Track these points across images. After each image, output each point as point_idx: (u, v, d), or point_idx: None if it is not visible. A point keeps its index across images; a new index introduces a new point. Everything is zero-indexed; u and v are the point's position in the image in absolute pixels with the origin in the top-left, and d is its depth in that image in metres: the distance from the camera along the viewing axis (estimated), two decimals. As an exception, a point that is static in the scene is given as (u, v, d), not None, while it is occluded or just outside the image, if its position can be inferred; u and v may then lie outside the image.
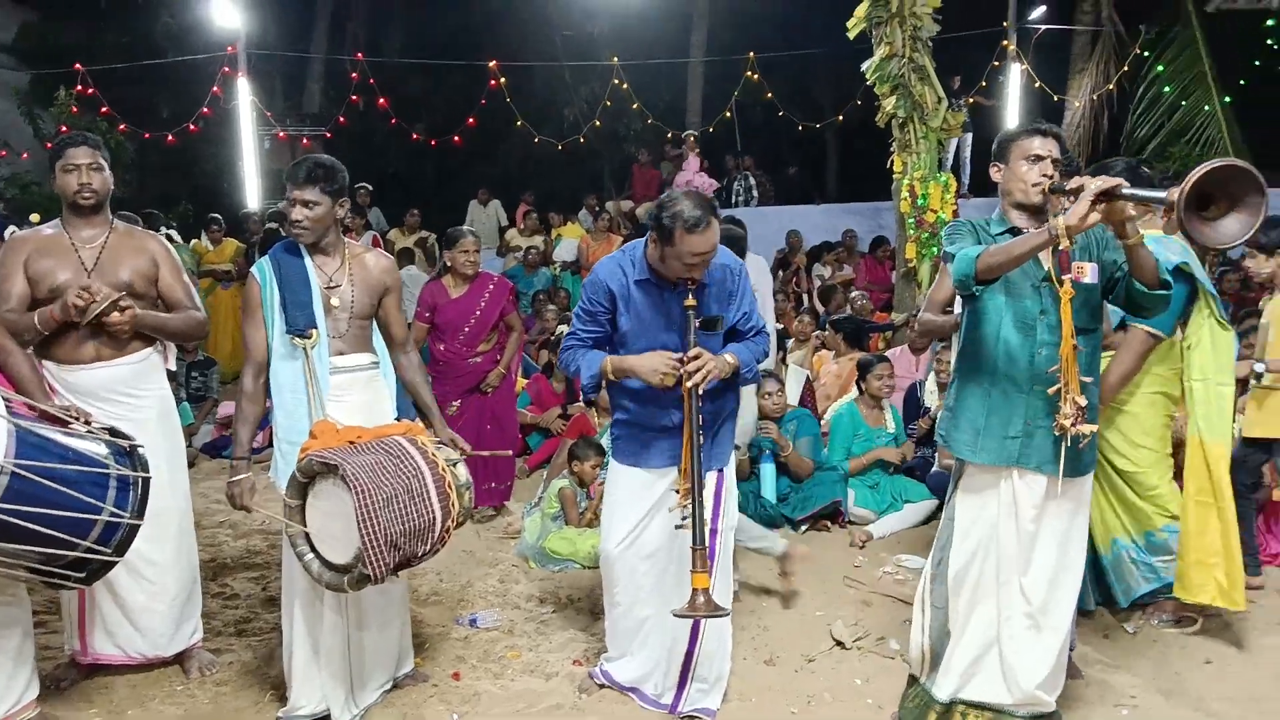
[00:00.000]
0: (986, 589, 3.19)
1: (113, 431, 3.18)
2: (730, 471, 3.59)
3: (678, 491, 3.32)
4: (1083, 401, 2.95)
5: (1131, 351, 3.92)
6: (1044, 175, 3.07)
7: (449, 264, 5.70)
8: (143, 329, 3.68)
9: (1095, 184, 2.66)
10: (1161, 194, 2.57)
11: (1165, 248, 3.79)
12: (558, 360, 3.66)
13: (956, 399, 3.24)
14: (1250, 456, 4.54)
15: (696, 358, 3.21)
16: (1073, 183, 2.81)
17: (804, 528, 5.55)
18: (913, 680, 3.42)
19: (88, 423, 3.15)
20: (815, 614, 4.40)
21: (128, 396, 3.68)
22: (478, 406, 5.71)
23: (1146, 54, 15.45)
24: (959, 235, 3.15)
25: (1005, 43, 14.04)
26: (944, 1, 8.77)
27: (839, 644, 4.08)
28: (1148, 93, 15.64)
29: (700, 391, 3.22)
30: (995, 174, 3.21)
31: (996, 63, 14.29)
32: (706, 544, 3.13)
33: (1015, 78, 14.11)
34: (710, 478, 3.46)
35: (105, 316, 3.52)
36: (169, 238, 9.51)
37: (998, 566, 3.16)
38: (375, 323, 3.63)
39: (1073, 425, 2.94)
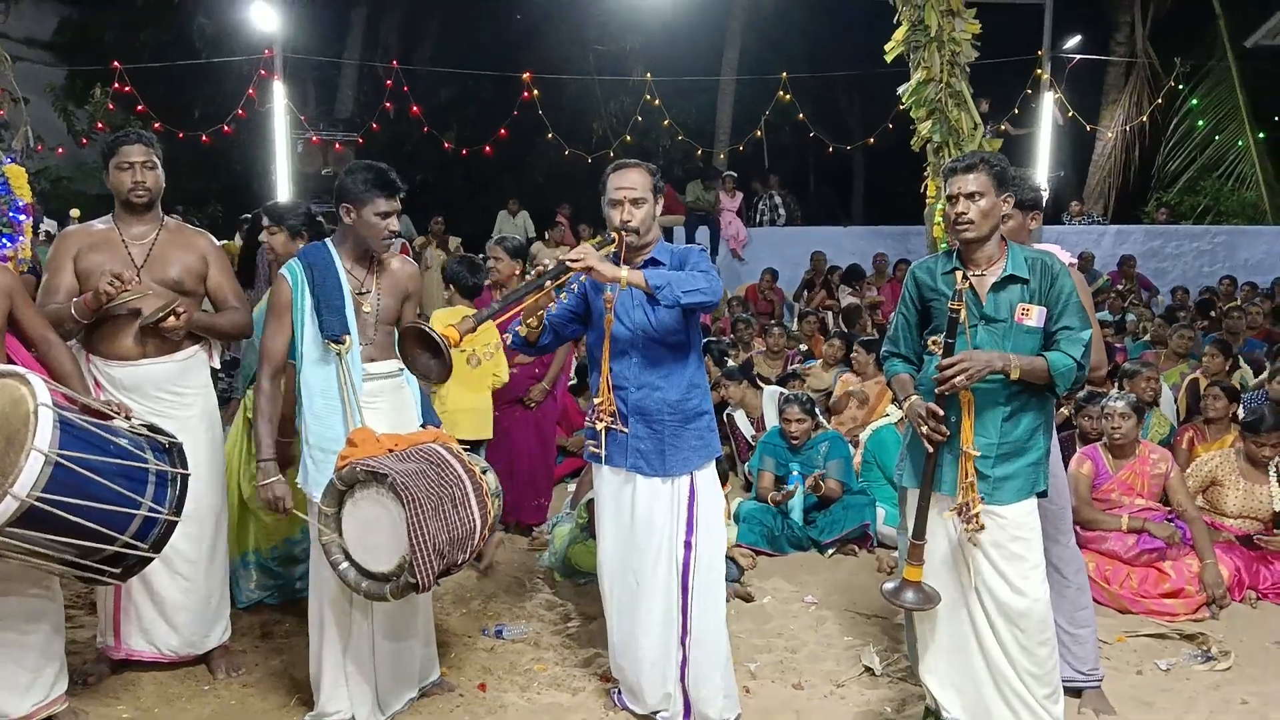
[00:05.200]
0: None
1: (152, 428, 3.18)
2: (705, 480, 3.46)
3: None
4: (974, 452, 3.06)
5: None
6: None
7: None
8: (193, 329, 3.70)
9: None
10: None
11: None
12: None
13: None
14: None
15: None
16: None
17: (830, 551, 5.49)
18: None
19: (128, 418, 3.15)
20: (844, 639, 4.35)
21: (172, 394, 3.69)
22: (517, 419, 5.55)
23: (1181, 87, 15.43)
24: None
25: (1039, 71, 14.00)
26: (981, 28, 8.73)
27: (869, 670, 4.03)
28: (1180, 125, 15.62)
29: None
30: None
31: (1029, 90, 14.26)
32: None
33: (1048, 106, 14.07)
34: (668, 486, 3.40)
35: (162, 321, 3.53)
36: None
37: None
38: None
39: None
